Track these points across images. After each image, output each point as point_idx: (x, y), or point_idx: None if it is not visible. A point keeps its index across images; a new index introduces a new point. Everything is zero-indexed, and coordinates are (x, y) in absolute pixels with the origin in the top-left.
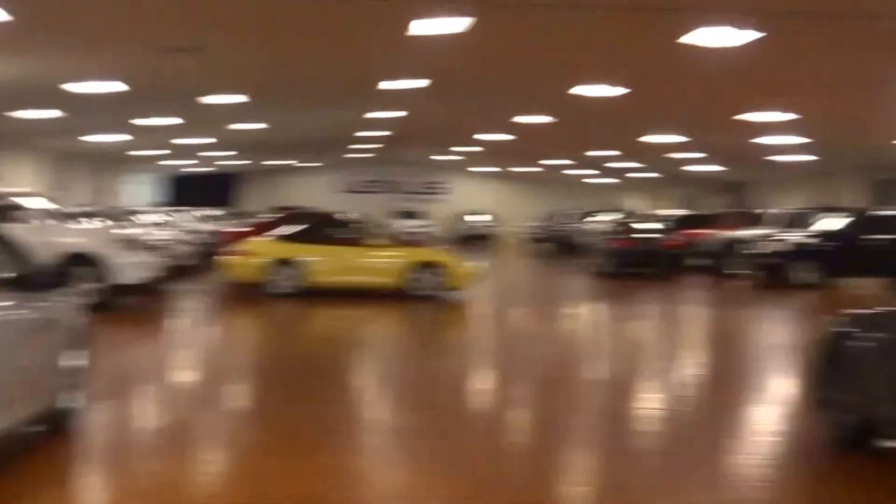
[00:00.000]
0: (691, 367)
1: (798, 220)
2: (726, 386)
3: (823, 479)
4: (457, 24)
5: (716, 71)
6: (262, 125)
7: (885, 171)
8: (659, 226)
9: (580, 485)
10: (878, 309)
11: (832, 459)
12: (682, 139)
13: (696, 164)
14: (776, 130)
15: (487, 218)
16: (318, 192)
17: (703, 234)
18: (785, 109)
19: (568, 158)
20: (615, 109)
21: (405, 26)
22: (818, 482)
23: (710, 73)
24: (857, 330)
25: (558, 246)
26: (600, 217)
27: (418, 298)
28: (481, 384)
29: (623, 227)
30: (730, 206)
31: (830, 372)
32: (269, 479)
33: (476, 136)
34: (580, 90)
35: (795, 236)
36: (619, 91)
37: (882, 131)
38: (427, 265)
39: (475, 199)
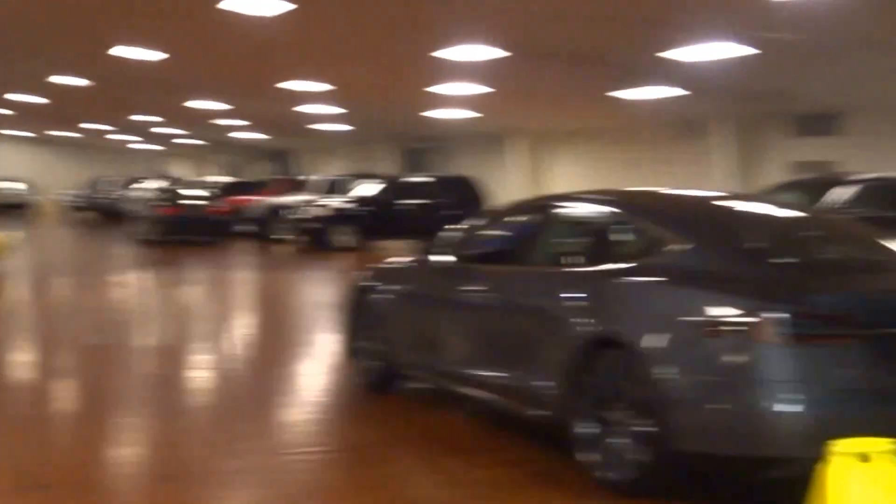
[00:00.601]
0: (241, 328)
1: (338, 187)
2: (274, 344)
3: (354, 419)
4: None
5: (254, 39)
6: None
7: (413, 141)
8: (205, 193)
9: (131, 444)
10: (394, 263)
11: (364, 402)
12: (226, 107)
13: (241, 132)
14: (315, 100)
15: (22, 185)
16: None
17: (249, 200)
18: (320, 80)
19: (110, 123)
20: (156, 74)
21: None
22: (349, 422)
23: (249, 41)
24: (378, 284)
25: (103, 214)
26: (146, 184)
27: None
28: (22, 356)
29: (169, 195)
30: (275, 173)
31: (358, 323)
32: None
33: (6, 97)
34: (119, 52)
35: (335, 202)
36: (159, 55)
37: (408, 103)
38: None
39: (9, 164)
